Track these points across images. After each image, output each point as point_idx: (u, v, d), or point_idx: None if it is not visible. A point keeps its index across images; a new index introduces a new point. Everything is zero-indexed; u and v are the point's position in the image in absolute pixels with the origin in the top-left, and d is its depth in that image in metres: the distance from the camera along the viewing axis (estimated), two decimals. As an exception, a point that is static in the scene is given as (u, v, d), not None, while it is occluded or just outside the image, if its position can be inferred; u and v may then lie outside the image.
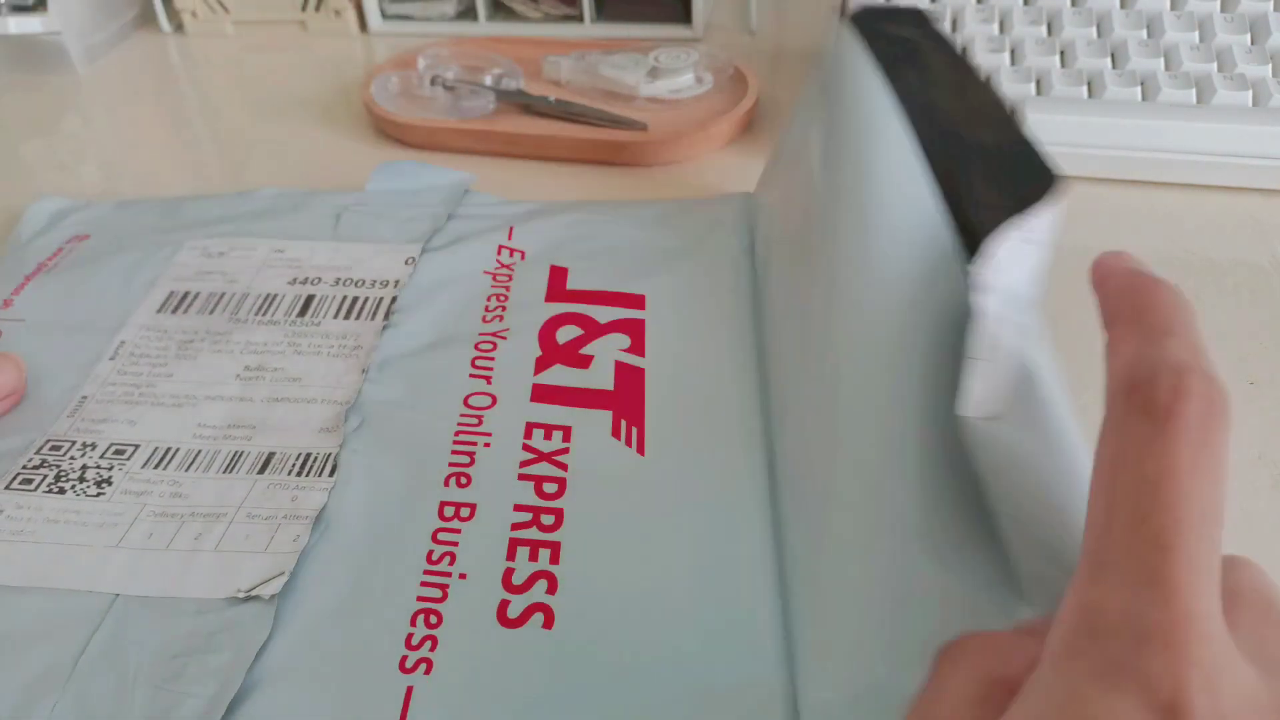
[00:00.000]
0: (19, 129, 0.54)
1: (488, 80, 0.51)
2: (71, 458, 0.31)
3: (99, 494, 0.30)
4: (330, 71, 0.59)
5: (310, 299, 0.37)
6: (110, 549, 0.28)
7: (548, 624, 0.25)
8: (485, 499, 0.29)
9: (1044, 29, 0.48)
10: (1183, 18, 0.47)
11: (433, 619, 0.26)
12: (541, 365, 0.33)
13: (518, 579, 0.26)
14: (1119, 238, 0.41)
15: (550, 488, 0.29)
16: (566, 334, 0.34)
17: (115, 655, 0.25)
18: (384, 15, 0.62)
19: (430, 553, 0.27)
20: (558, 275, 0.37)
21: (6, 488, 0.30)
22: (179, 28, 0.64)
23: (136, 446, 0.31)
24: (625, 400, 0.32)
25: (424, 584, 0.26)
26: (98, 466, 0.30)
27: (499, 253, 0.38)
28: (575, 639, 0.25)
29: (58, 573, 0.27)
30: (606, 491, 0.29)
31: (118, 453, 0.31)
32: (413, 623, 0.25)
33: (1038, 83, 0.45)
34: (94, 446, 0.31)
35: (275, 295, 0.37)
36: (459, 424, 0.31)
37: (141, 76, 0.60)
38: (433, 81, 0.51)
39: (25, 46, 0.58)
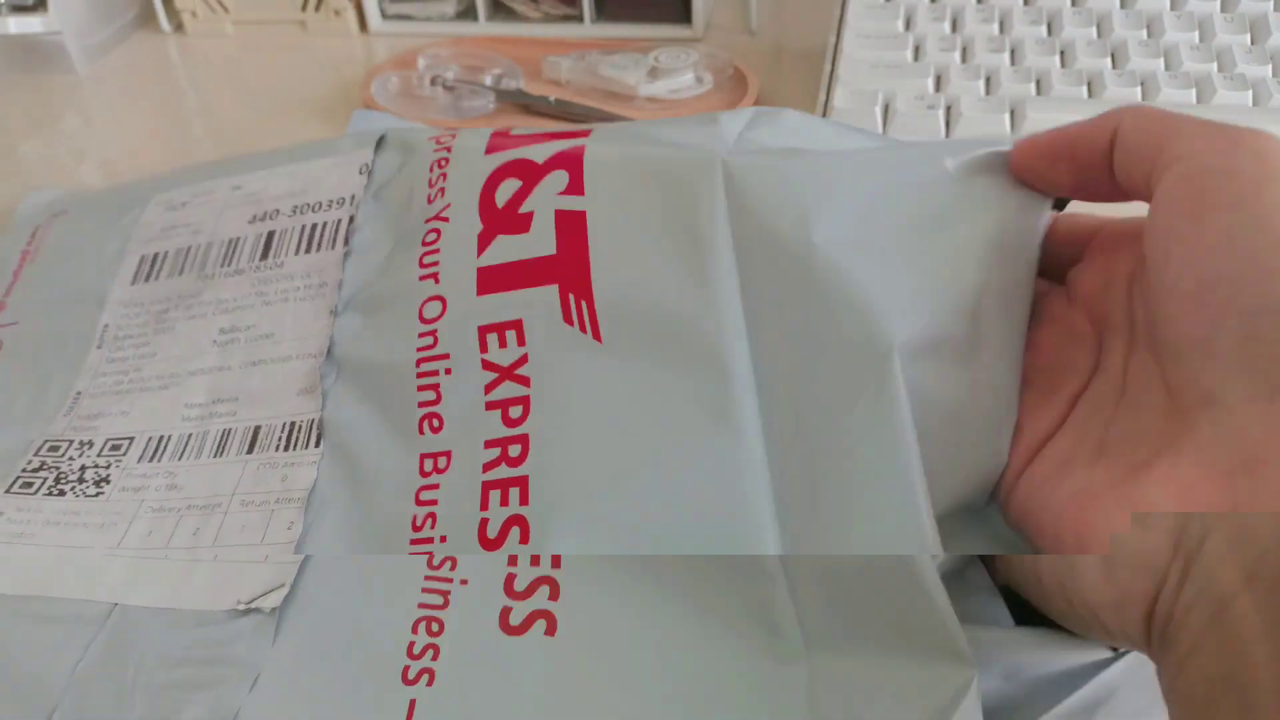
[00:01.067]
0: (19, 129, 0.54)
1: (488, 80, 0.52)
2: (70, 458, 0.31)
3: (98, 493, 0.29)
4: (330, 71, 0.59)
5: (270, 236, 0.35)
6: (110, 551, 0.28)
7: (550, 631, 0.24)
8: (458, 442, 0.27)
9: (1044, 29, 0.48)
10: (1183, 18, 0.47)
11: (434, 626, 0.25)
12: (483, 242, 0.30)
13: (516, 577, 0.25)
14: (1119, 238, 0.40)
15: (515, 411, 0.27)
16: (506, 192, 0.30)
17: (113, 665, 0.25)
18: (384, 15, 0.61)
19: (414, 517, 0.26)
20: (501, 130, 0.34)
21: (7, 491, 0.30)
22: (179, 28, 0.64)
23: (131, 439, 0.31)
24: (569, 264, 0.28)
25: (424, 590, 0.25)
26: (95, 465, 0.30)
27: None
28: (578, 645, 0.24)
29: (56, 579, 0.27)
30: (571, 404, 0.26)
31: (114, 449, 0.31)
32: (414, 630, 0.25)
33: (1038, 83, 0.45)
34: (91, 445, 0.31)
35: (237, 240, 0.36)
36: (418, 348, 0.29)
37: (141, 76, 0.60)
38: (433, 81, 0.52)
39: (25, 46, 0.58)
